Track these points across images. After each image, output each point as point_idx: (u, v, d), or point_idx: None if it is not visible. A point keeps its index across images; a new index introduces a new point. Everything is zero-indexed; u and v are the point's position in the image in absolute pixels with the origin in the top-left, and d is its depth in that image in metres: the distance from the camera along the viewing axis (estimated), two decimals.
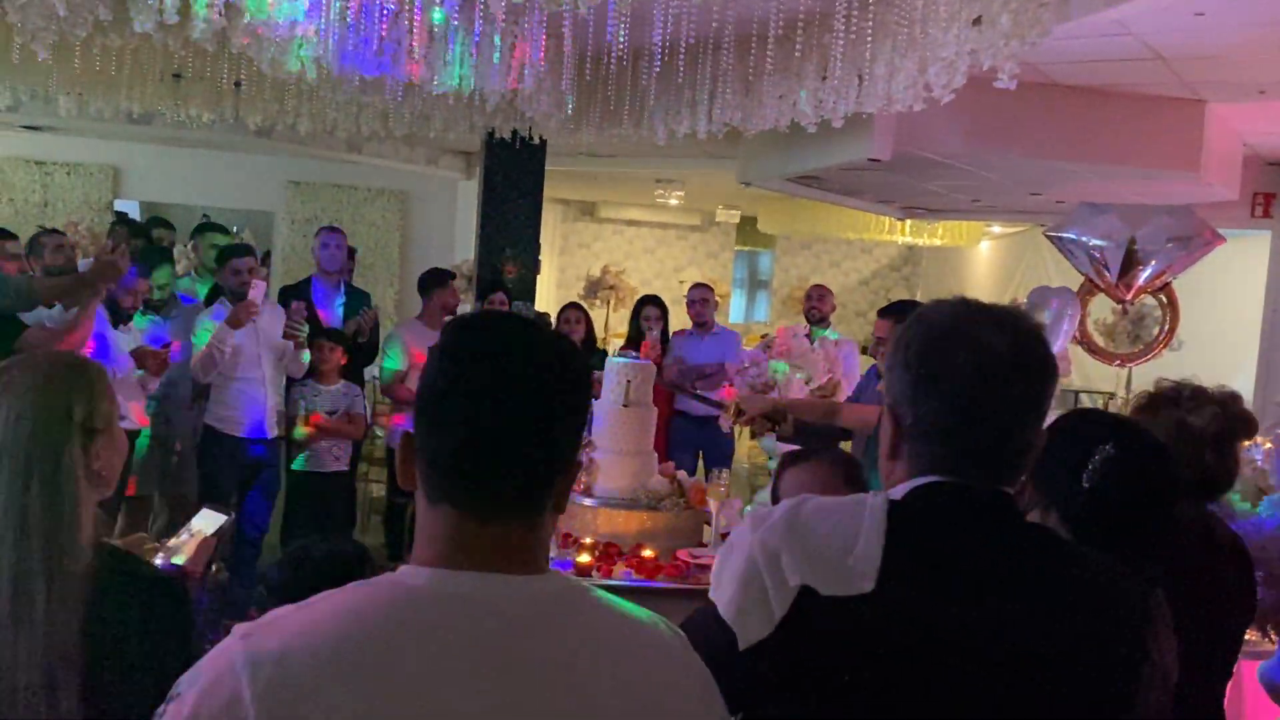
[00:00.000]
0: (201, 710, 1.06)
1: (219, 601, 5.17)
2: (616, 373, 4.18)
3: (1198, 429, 2.33)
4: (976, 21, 3.75)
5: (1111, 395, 9.07)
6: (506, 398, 1.17)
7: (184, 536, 1.72)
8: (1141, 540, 1.87)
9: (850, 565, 1.33)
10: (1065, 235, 6.21)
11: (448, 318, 6.12)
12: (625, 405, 4.06)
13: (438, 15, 4.34)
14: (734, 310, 15.36)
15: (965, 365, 1.39)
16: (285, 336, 5.35)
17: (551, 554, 3.80)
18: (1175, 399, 2.42)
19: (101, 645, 1.56)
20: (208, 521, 1.75)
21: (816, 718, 1.36)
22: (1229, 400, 2.42)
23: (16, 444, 1.59)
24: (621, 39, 4.26)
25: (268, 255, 10.80)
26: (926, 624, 1.34)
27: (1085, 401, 10.45)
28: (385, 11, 4.23)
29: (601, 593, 1.28)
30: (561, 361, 1.22)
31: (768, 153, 7.15)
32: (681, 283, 14.85)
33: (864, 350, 7.65)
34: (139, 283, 4.86)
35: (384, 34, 4.35)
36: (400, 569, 1.18)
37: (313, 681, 1.05)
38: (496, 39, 4.55)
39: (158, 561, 1.70)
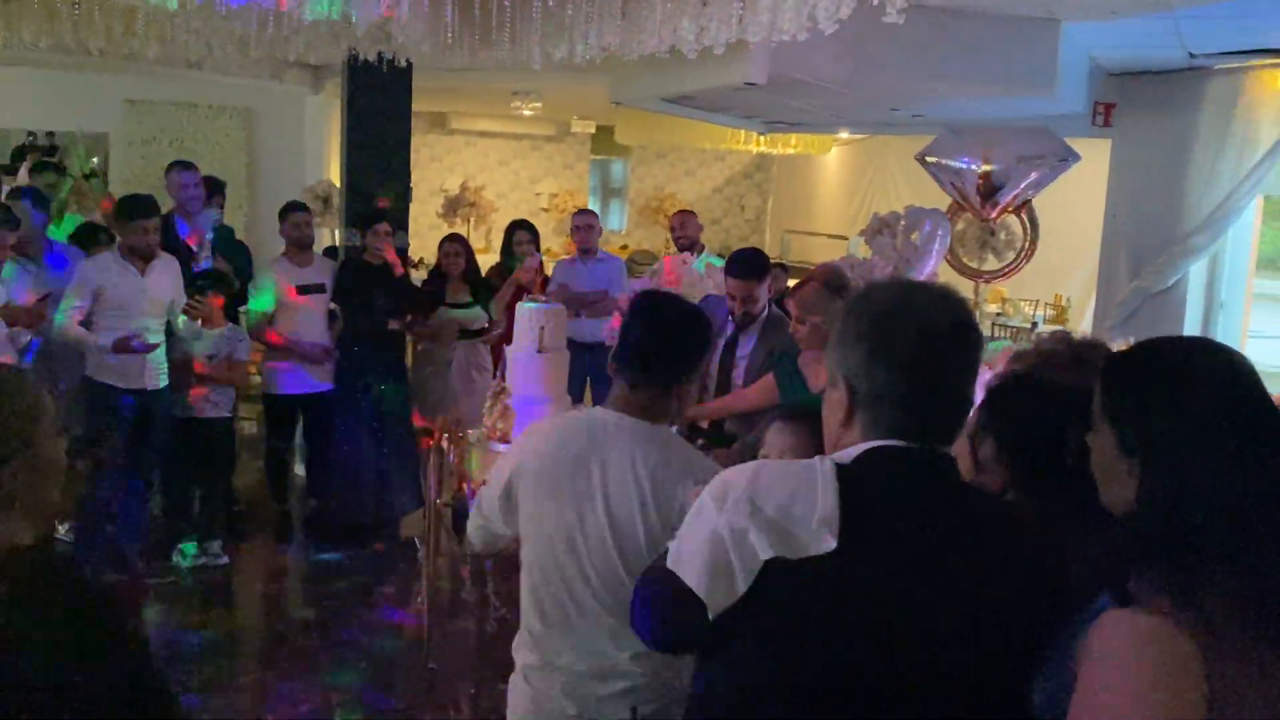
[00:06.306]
0: None
1: (93, 558, 4.99)
2: (529, 318, 4.13)
3: None
4: None
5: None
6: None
7: None
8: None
9: (814, 528, 1.44)
10: (929, 159, 6.38)
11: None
12: (540, 351, 4.03)
13: None
14: None
15: (914, 337, 1.53)
16: (188, 314, 5.11)
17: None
18: (1090, 353, 2.54)
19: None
20: None
21: (782, 670, 1.47)
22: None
23: None
24: None
25: (104, 176, 10.18)
26: (885, 578, 1.46)
27: None
28: None
29: None
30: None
31: (641, 74, 7.06)
32: (538, 194, 14.66)
33: None
34: (5, 236, 4.49)
35: None
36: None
37: None
38: None
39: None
